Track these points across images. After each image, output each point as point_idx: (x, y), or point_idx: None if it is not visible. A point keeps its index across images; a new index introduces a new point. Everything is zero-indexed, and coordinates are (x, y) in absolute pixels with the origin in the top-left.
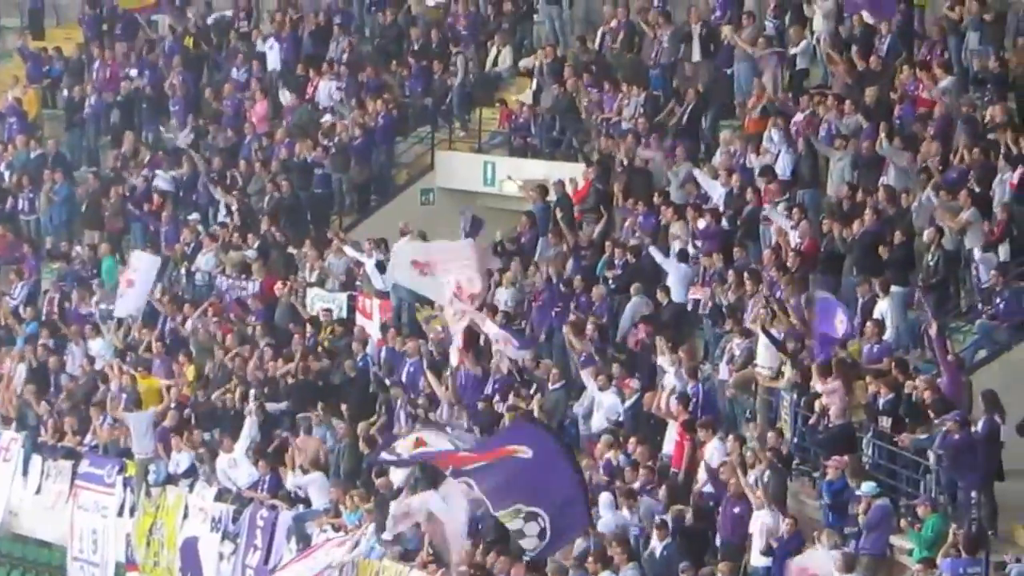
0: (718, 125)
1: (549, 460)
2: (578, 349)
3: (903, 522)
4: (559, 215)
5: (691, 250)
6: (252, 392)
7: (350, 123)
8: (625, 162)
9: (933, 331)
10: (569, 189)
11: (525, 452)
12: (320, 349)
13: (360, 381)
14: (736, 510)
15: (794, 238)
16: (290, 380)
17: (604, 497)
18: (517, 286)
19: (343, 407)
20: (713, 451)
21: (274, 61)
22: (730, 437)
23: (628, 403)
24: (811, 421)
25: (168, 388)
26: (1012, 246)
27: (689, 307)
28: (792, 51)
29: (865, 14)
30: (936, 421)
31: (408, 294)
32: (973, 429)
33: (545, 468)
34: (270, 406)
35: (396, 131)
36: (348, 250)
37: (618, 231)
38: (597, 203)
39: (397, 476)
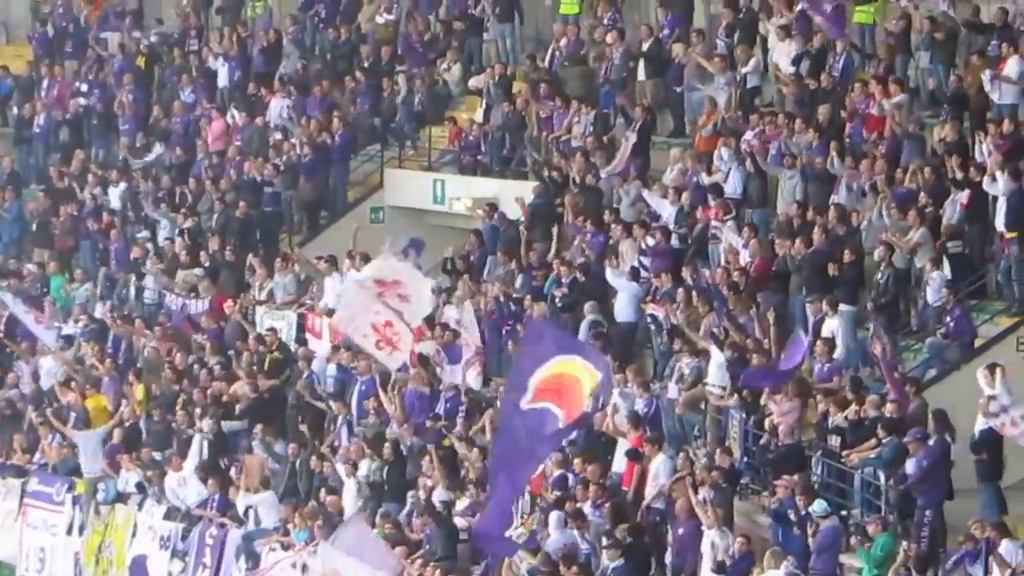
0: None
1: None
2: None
3: (853, 539)
4: (504, 235)
5: (640, 269)
6: (198, 411)
7: (300, 141)
8: (576, 180)
9: (878, 350)
10: (517, 206)
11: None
12: (266, 367)
13: (310, 399)
14: (682, 530)
15: (745, 256)
16: (239, 399)
17: (554, 516)
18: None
19: (301, 425)
20: (659, 469)
21: (224, 79)
22: (680, 455)
23: None
24: (762, 441)
25: (116, 407)
26: (962, 265)
27: (648, 322)
28: (743, 70)
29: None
30: (884, 440)
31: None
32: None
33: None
34: (223, 426)
35: (348, 148)
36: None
37: (568, 249)
38: (546, 221)
39: (348, 498)
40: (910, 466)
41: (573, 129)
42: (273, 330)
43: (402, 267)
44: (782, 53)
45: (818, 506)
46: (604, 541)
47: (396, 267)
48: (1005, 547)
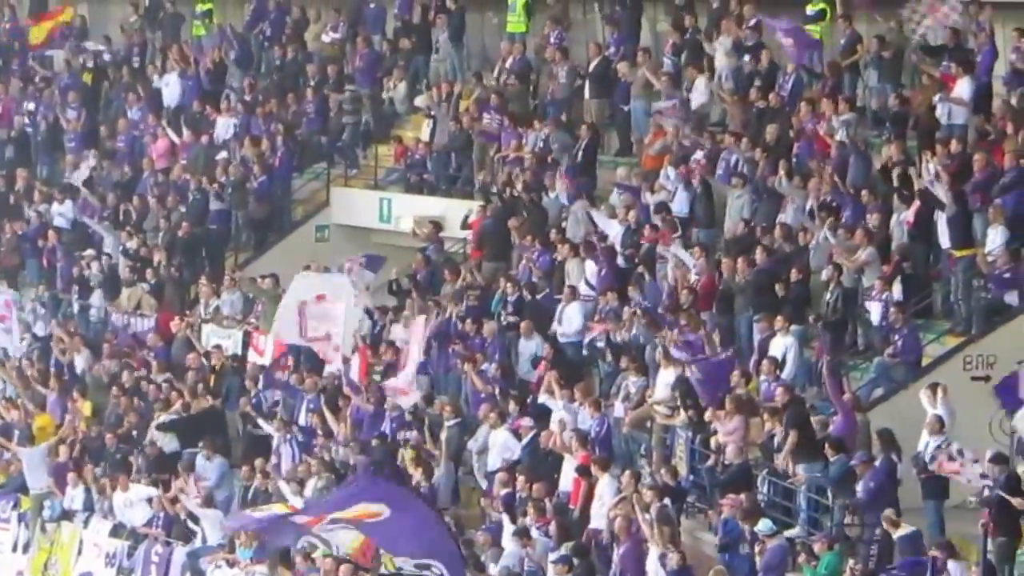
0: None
1: (412, 510)
2: (480, 388)
3: (802, 558)
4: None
5: (585, 288)
6: (149, 429)
7: (247, 159)
8: (525, 199)
9: (825, 370)
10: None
11: (382, 513)
12: (211, 385)
13: (254, 417)
14: (623, 549)
15: (692, 275)
16: (184, 416)
17: (509, 531)
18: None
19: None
20: (605, 488)
21: (171, 98)
22: (626, 474)
23: (525, 440)
24: (709, 461)
25: (59, 425)
26: (908, 284)
27: (586, 342)
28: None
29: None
30: (832, 459)
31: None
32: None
33: (413, 517)
34: (168, 443)
35: (294, 166)
36: None
37: (514, 268)
38: (494, 240)
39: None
40: (859, 488)
41: (520, 148)
42: (219, 347)
43: (337, 282)
44: (729, 72)
45: (763, 525)
46: (551, 557)
47: (330, 283)
48: (952, 568)
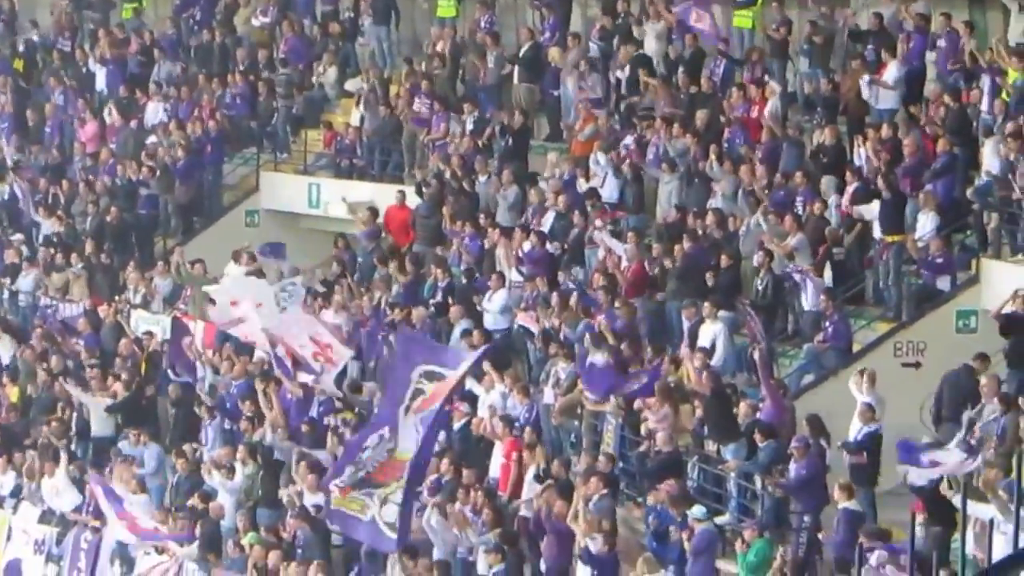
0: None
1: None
2: None
3: (739, 545)
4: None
5: (516, 274)
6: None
7: (175, 144)
8: (454, 186)
9: (757, 355)
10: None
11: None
12: (142, 371)
13: (185, 404)
14: (557, 534)
15: (623, 262)
16: (116, 402)
17: (436, 519)
18: (348, 310)
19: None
20: (532, 475)
21: (101, 82)
22: (555, 461)
23: (457, 426)
24: (641, 448)
25: None
26: (838, 271)
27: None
28: (618, 74)
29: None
30: (761, 446)
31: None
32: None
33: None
34: (102, 429)
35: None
36: None
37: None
38: (426, 225)
39: (225, 503)
40: (790, 475)
41: (450, 133)
42: (150, 333)
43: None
44: (659, 57)
45: (697, 511)
46: (484, 546)
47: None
48: (880, 554)
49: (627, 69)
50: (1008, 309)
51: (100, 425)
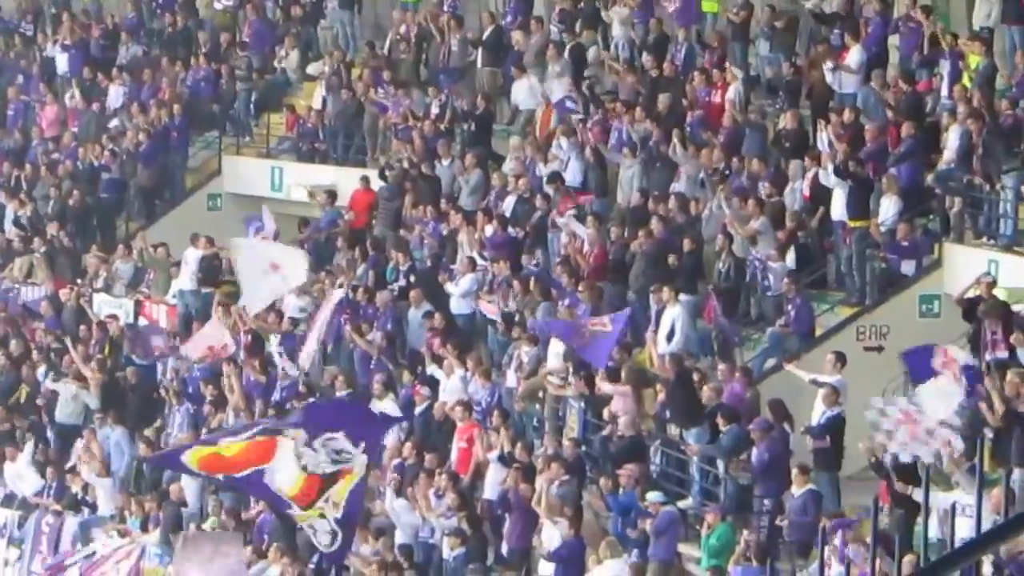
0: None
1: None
2: (363, 348)
3: (704, 528)
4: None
5: (478, 258)
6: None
7: (136, 127)
8: (416, 170)
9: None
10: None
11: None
12: (105, 354)
13: (145, 387)
14: (519, 517)
15: (586, 246)
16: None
17: (400, 503)
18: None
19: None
20: (496, 459)
21: (63, 66)
22: (518, 445)
23: (419, 410)
24: (604, 432)
25: None
26: (801, 254)
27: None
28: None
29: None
30: (724, 430)
31: (194, 298)
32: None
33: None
34: (69, 416)
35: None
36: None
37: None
38: (388, 208)
39: (188, 488)
40: (753, 459)
41: (412, 117)
42: (114, 316)
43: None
44: (624, 41)
45: (655, 495)
46: (449, 528)
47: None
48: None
49: (591, 52)
50: (971, 294)
51: (65, 411)
